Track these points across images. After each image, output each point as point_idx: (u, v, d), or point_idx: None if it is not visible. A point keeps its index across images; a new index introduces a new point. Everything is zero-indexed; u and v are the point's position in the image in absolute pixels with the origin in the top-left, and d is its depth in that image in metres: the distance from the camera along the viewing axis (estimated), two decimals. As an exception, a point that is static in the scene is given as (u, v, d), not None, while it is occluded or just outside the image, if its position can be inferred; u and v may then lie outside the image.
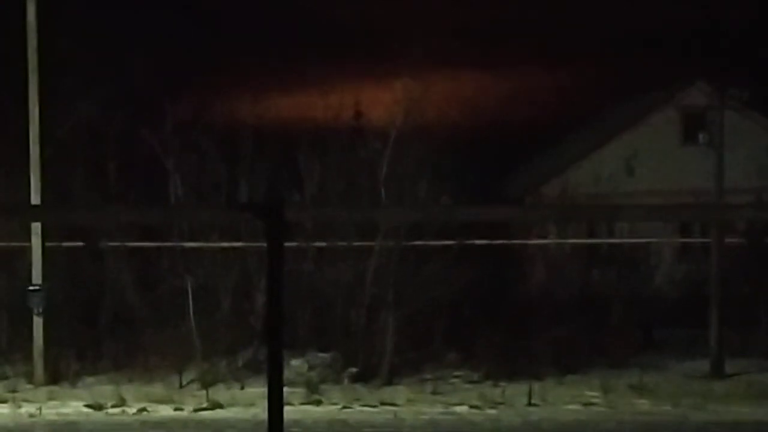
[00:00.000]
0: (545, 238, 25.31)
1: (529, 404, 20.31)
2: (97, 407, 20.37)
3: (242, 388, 21.46)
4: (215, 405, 20.48)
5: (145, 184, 23.52)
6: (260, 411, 19.27)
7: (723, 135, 23.54)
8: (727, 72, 24.93)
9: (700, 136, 24.51)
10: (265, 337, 7.88)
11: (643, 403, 20.48)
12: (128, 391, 21.05)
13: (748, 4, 27.29)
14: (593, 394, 20.89)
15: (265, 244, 7.66)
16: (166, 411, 20.26)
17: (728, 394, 20.90)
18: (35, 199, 22.19)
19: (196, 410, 20.31)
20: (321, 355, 22.27)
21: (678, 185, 26.20)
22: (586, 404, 20.38)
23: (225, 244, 23.01)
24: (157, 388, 21.32)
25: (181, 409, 20.35)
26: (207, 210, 8.93)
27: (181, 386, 21.69)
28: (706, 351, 22.75)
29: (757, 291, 23.73)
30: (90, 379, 22.07)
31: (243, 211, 7.89)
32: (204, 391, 21.10)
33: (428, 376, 21.86)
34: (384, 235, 22.68)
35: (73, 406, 20.50)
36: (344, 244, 22.92)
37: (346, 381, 21.82)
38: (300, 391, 20.39)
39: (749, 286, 23.78)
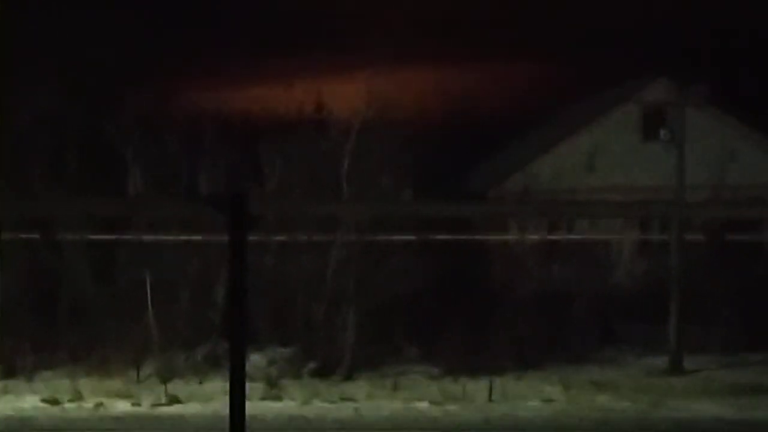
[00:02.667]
0: (506, 233, 25.31)
1: (490, 400, 20.28)
2: (54, 402, 20.11)
3: (201, 382, 21.27)
4: (174, 400, 20.28)
5: (104, 174, 23.24)
6: (219, 406, 19.08)
7: (684, 131, 23.64)
8: (687, 69, 25.07)
9: (662, 132, 24.60)
10: (228, 332, 7.77)
11: (603, 399, 20.51)
12: (85, 385, 20.80)
13: (709, 3, 27.46)
14: (553, 390, 20.89)
15: (225, 237, 7.53)
16: (123, 406, 20.04)
17: (687, 390, 20.99)
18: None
19: (154, 405, 20.10)
20: (280, 350, 22.12)
21: (639, 181, 26.28)
22: (546, 400, 20.38)
23: (184, 237, 22.80)
24: (115, 382, 21.08)
25: (139, 405, 20.13)
26: (171, 203, 8.79)
27: (139, 380, 21.47)
28: (665, 347, 22.84)
29: (715, 288, 23.84)
30: (47, 373, 21.79)
31: (207, 205, 7.75)
32: (162, 386, 20.89)
33: (388, 372, 21.77)
34: (345, 229, 22.57)
35: (29, 401, 20.22)
36: (305, 238, 22.78)
37: (305, 376, 21.68)
38: (259, 386, 20.23)
39: (708, 282, 23.89)
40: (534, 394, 20.60)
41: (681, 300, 22.83)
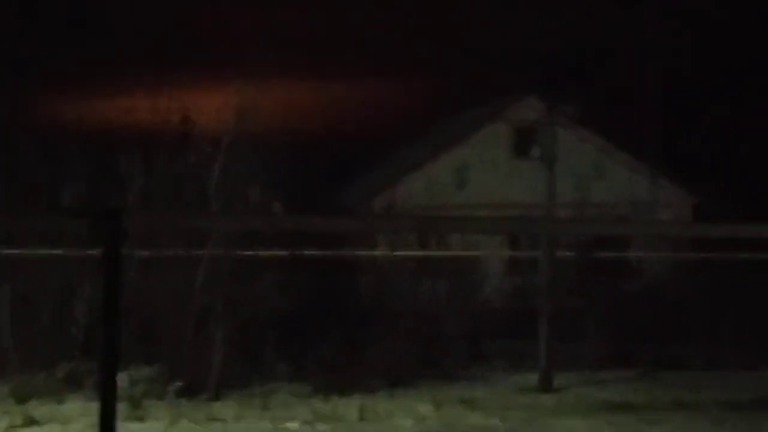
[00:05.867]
0: (376, 249, 25.16)
1: (361, 419, 19.98)
2: None
3: (60, 403, 20.43)
4: (31, 421, 19.41)
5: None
6: (80, 428, 18.35)
7: (555, 149, 23.87)
8: (557, 88, 25.40)
9: (533, 150, 24.84)
10: (100, 351, 7.44)
11: (475, 417, 20.41)
12: (-65, 406, 19.76)
13: (580, 24, 27.91)
14: (425, 409, 20.71)
15: (88, 252, 7.14)
16: (-24, 428, 19.09)
17: (557, 407, 21.05)
18: None
19: (10, 427, 19.20)
20: (145, 368, 21.41)
21: (509, 198, 26.46)
22: (418, 419, 20.17)
23: (45, 251, 21.92)
24: (-33, 404, 20.10)
25: (-6, 426, 19.21)
26: (41, 216, 8.26)
27: (-7, 401, 20.52)
28: (535, 364, 22.91)
29: (585, 304, 24.07)
30: None
31: (80, 218, 7.35)
32: (19, 407, 20.00)
33: (258, 391, 21.28)
34: (213, 243, 22.02)
35: None
36: (171, 252, 22.15)
37: (171, 396, 21.01)
38: (122, 406, 19.50)
39: (577, 300, 24.10)
40: (406, 413, 20.37)
41: (550, 317, 22.94)
